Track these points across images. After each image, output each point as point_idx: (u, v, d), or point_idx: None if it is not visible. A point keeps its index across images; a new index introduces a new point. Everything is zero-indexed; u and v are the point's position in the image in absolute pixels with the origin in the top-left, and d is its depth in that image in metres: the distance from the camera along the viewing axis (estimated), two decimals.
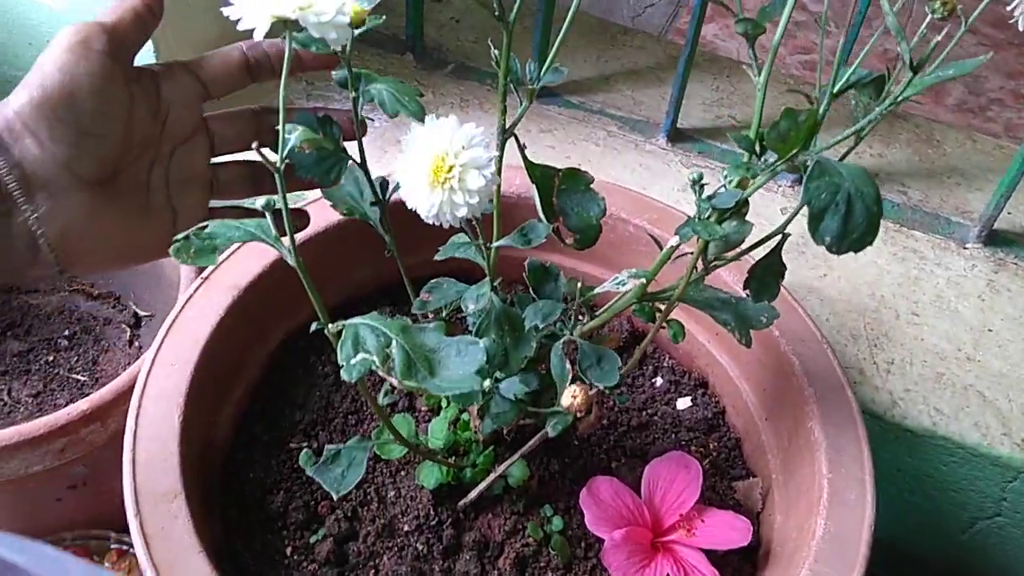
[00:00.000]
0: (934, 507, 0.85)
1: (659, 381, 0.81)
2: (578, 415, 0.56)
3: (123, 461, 0.63)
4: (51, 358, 0.88)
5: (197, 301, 0.70)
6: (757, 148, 0.55)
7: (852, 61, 0.53)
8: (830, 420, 0.67)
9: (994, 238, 0.95)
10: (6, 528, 0.80)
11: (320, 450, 0.72)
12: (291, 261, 0.52)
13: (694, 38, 0.92)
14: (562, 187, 0.64)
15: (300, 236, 0.75)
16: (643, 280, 0.59)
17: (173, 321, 0.69)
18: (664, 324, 0.63)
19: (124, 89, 0.52)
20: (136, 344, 0.88)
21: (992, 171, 1.03)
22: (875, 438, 0.67)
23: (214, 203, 0.60)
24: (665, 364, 0.83)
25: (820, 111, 0.53)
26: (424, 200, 0.51)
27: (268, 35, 0.44)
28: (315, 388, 0.75)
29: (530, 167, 0.63)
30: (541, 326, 0.60)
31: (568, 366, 0.62)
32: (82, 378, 0.86)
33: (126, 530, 0.81)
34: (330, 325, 0.54)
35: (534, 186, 0.63)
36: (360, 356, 0.50)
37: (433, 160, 0.50)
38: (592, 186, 0.64)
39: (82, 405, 0.73)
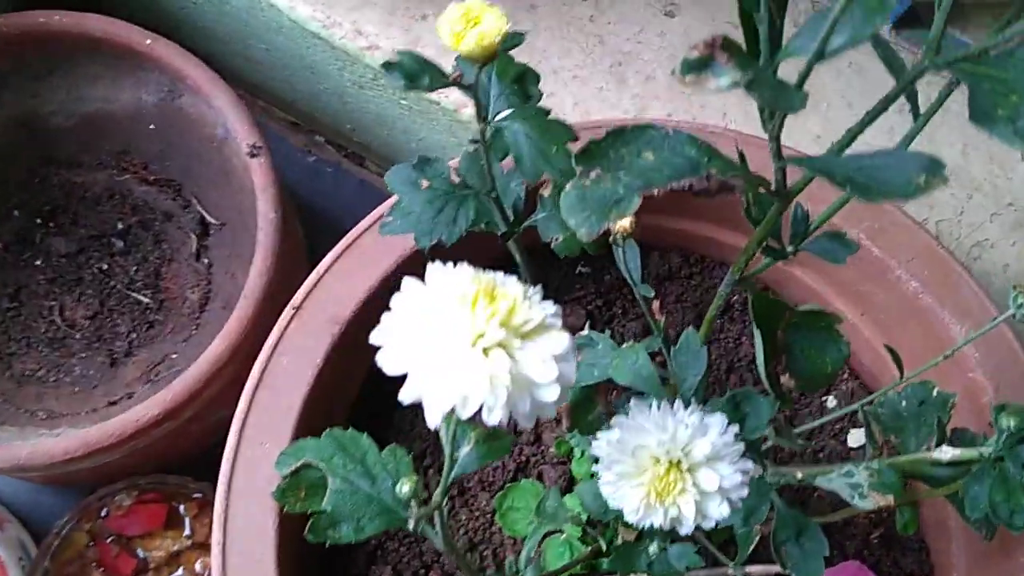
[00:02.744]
0: None
1: (831, 401, 0.67)
2: None
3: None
4: (105, 265, 0.74)
5: (291, 342, 0.55)
6: None
7: None
8: None
9: None
10: (71, 471, 0.73)
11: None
12: (439, 544, 0.38)
13: None
14: (794, 321, 0.46)
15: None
16: (890, 500, 0.44)
17: (263, 369, 0.55)
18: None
19: None
20: (204, 260, 0.73)
21: None
22: None
23: None
24: (843, 377, 0.68)
25: None
26: (634, 509, 0.35)
27: None
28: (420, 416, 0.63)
29: (757, 301, 0.45)
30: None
31: (757, 527, 0.50)
32: (144, 299, 0.73)
33: (205, 478, 0.74)
34: None
35: (756, 329, 0.45)
36: None
37: (658, 469, 0.34)
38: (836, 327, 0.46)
39: (153, 409, 0.61)
